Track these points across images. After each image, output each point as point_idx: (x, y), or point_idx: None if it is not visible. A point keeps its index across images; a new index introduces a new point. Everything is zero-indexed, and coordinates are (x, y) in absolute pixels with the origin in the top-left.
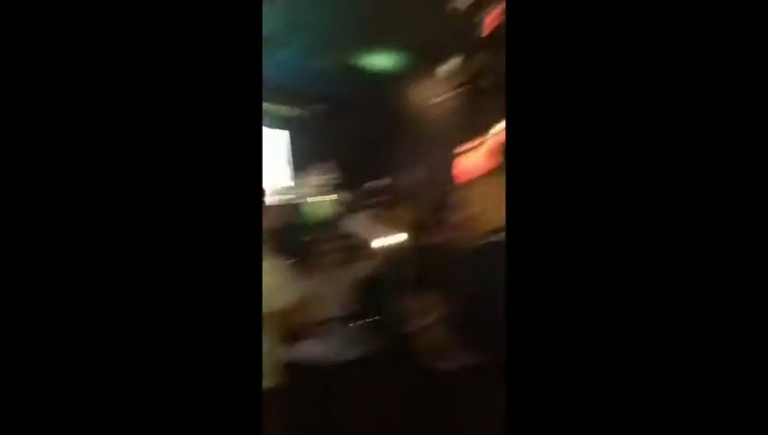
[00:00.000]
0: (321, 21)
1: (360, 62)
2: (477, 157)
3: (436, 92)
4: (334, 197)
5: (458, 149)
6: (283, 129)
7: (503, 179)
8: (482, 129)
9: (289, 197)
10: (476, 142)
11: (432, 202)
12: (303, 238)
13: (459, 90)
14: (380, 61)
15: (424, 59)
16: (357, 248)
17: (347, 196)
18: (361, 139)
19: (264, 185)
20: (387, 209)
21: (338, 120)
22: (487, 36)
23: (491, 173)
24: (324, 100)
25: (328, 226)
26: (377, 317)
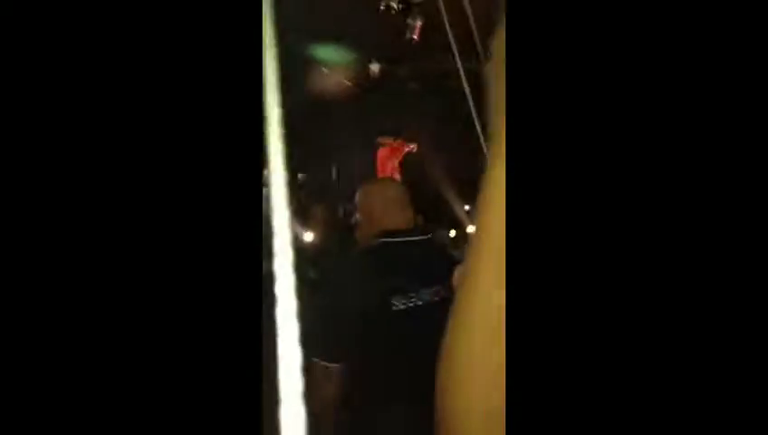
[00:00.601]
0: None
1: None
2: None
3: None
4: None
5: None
6: None
7: (397, 185)
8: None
9: None
10: (394, 143)
11: (340, 200)
12: None
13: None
14: (324, 52)
15: (358, 53)
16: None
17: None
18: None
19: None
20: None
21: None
22: (417, 41)
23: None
24: None
25: None
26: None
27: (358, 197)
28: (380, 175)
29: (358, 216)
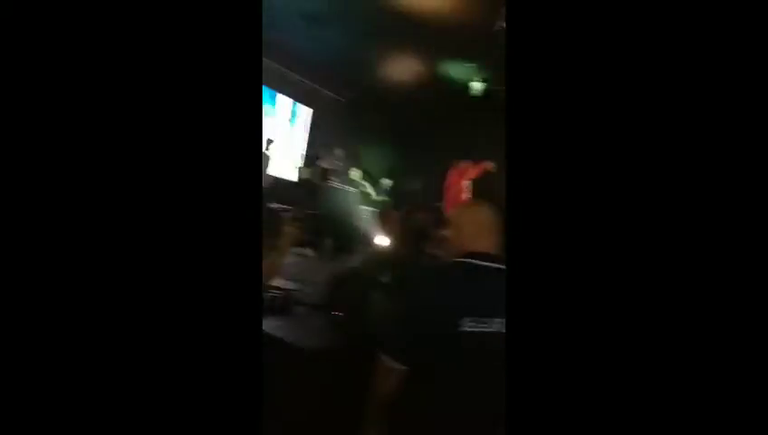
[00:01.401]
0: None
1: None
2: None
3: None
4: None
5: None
6: (310, 106)
7: (491, 210)
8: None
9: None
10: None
11: (429, 214)
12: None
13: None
14: (454, 70)
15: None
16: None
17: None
18: (383, 135)
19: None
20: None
21: (366, 110)
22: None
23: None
24: (357, 89)
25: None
26: (341, 314)
27: (451, 215)
28: (447, 193)
29: (447, 232)
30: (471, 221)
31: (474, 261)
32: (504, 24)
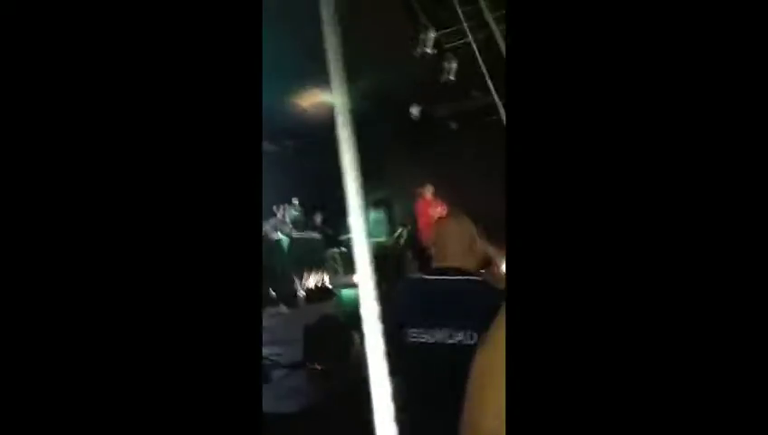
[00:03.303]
0: (294, 60)
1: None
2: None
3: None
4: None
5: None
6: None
7: (467, 224)
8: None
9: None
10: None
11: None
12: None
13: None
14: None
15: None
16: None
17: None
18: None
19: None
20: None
21: (306, 156)
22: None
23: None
24: (295, 136)
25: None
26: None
27: (434, 228)
28: (423, 223)
29: (432, 246)
30: (446, 234)
31: (431, 277)
32: (427, 49)
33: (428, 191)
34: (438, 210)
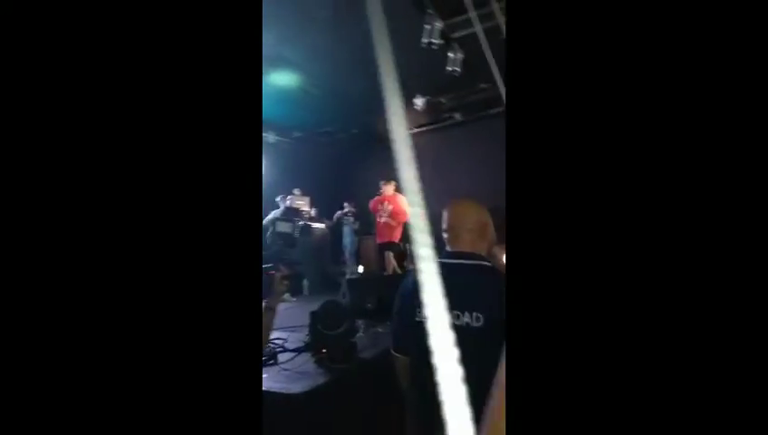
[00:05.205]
0: (299, 53)
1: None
2: None
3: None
4: (321, 225)
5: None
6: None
7: (479, 209)
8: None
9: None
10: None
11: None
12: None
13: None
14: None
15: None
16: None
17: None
18: (334, 166)
19: None
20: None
21: (310, 147)
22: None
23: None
24: (299, 128)
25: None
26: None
27: (445, 213)
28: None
29: (446, 230)
30: (459, 219)
31: (445, 260)
32: (434, 39)
33: (390, 186)
34: (385, 204)
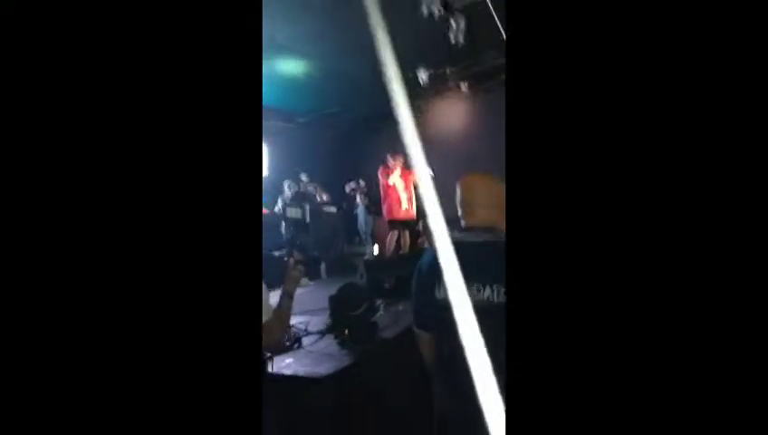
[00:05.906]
0: (298, 38)
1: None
2: None
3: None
4: (333, 210)
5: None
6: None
7: (494, 182)
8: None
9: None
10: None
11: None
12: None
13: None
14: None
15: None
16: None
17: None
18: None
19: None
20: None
21: (316, 130)
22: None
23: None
24: (304, 113)
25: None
26: (346, 332)
27: (458, 188)
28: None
29: (460, 205)
30: (472, 193)
31: (459, 239)
32: (434, 8)
33: (398, 161)
34: (392, 178)
